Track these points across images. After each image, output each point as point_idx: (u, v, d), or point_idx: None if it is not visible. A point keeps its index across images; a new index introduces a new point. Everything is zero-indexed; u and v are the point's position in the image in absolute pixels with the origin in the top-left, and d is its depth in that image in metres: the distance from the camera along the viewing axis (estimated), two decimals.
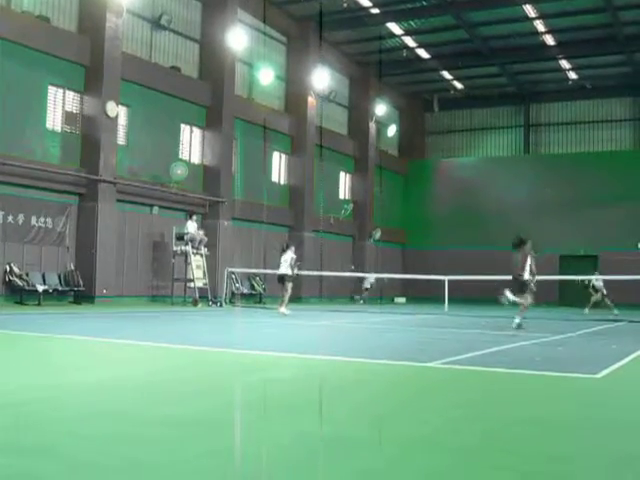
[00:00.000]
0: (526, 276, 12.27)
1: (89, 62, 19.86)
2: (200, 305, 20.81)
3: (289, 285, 16.88)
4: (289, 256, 16.84)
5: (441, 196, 36.74)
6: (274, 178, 28.23)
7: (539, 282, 13.54)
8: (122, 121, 21.12)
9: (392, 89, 35.48)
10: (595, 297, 22.38)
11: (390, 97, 35.09)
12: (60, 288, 18.84)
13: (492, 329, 14.03)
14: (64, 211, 19.51)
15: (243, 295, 24.67)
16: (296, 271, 17.53)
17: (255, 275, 25.85)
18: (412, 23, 28.25)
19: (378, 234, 33.44)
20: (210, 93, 24.07)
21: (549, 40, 29.40)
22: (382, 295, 31.34)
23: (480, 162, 37.13)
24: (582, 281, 24.12)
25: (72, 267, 19.49)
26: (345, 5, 26.06)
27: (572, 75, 33.46)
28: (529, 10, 26.48)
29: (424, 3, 26.24)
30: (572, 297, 27.99)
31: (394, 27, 28.51)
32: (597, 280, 22.54)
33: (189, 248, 21.28)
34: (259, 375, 6.32)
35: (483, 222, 34.30)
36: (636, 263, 28.47)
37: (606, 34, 28.22)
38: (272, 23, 26.90)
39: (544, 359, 7.94)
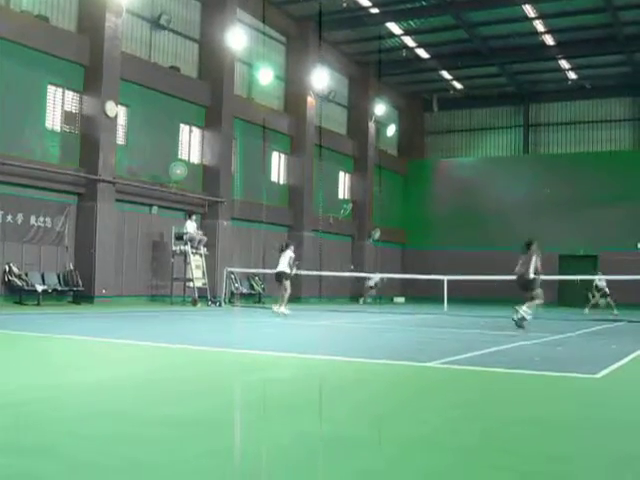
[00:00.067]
0: (531, 274, 12.41)
1: (88, 62, 19.84)
2: (199, 305, 20.81)
3: (287, 284, 16.82)
4: (288, 255, 16.80)
5: (440, 196, 36.74)
6: (273, 178, 28.23)
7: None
8: (121, 121, 21.11)
9: (391, 89, 35.48)
10: (596, 298, 22.35)
11: (389, 97, 35.10)
12: (59, 288, 18.82)
13: (491, 329, 14.05)
14: (63, 211, 19.50)
15: (242, 295, 24.68)
16: (295, 271, 17.47)
17: (254, 275, 25.85)
18: (411, 23, 28.24)
19: (377, 234, 33.45)
20: (209, 93, 24.06)
21: (549, 40, 29.39)
22: (381, 295, 31.34)
23: (479, 162, 37.14)
24: (584, 286, 24.07)
25: (71, 267, 19.48)
26: (344, 5, 26.05)
27: (572, 75, 33.46)
28: (529, 10, 26.47)
29: (423, 3, 26.23)
30: (572, 297, 28.02)
31: (393, 27, 28.50)
32: (600, 280, 22.48)
33: (188, 248, 21.28)
34: (258, 375, 6.32)
35: (482, 222, 34.30)
36: (636, 263, 28.48)
37: (606, 34, 28.21)
38: (271, 23, 26.90)
39: (543, 359, 7.95)
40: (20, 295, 17.90)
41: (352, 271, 30.70)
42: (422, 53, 31.44)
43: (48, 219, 19.06)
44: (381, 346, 9.79)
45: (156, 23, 22.70)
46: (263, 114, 26.41)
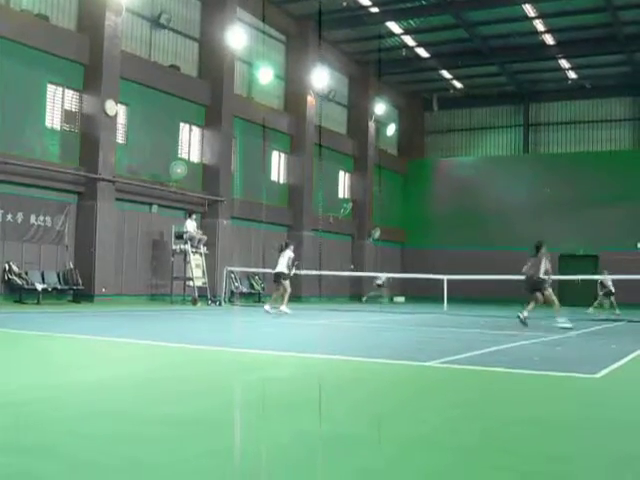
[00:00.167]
0: (542, 275, 12.98)
1: (88, 61, 19.84)
2: (199, 304, 20.82)
3: (287, 284, 16.82)
4: (287, 255, 16.79)
5: (440, 195, 36.75)
6: (273, 177, 28.23)
7: None
8: (121, 120, 21.11)
9: (391, 88, 35.47)
10: (600, 298, 22.26)
11: (389, 96, 35.09)
12: (59, 287, 18.83)
13: (491, 328, 14.05)
14: (63, 210, 19.50)
15: (242, 294, 24.69)
16: (294, 271, 17.42)
17: (254, 274, 25.86)
18: (411, 22, 28.25)
19: (377, 233, 33.45)
20: (209, 92, 24.06)
21: (549, 39, 29.39)
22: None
23: (479, 161, 37.14)
24: (586, 286, 23.99)
25: (71, 266, 19.48)
26: (344, 4, 26.05)
27: (572, 75, 33.46)
28: (528, 9, 26.47)
29: (423, 2, 26.24)
30: (571, 297, 28.00)
31: (393, 26, 28.50)
32: (605, 279, 22.33)
33: (188, 247, 21.29)
34: (258, 374, 6.32)
35: (482, 221, 34.31)
36: (636, 263, 28.49)
37: (606, 34, 28.21)
38: (271, 22, 26.89)
39: (543, 359, 7.94)
40: (20, 294, 17.91)
41: (352, 270, 30.71)
42: (422, 52, 31.44)
43: (48, 218, 19.06)
44: (380, 345, 9.79)
45: (156, 22, 22.69)
46: (263, 113, 26.41)
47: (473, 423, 4.40)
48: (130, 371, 6.37)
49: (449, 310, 21.71)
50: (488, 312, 20.74)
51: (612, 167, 32.78)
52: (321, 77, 28.30)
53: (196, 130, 24.29)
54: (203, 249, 21.97)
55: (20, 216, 18.35)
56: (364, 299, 29.73)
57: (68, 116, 19.91)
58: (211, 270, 22.47)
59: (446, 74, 34.33)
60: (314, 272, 26.08)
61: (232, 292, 24.02)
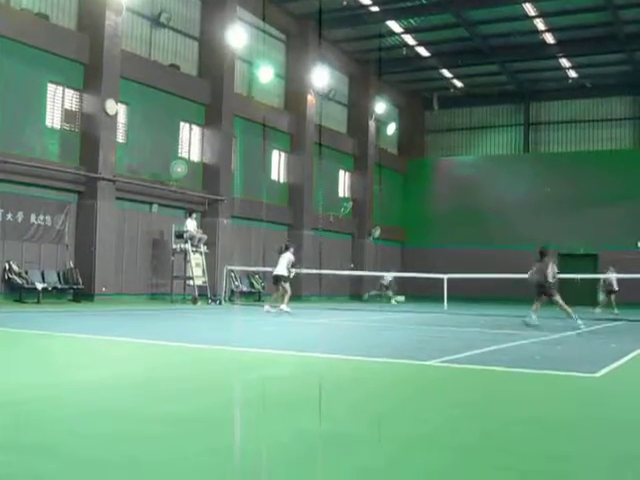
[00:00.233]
0: (550, 279, 13.36)
1: (88, 60, 19.83)
2: (199, 303, 20.82)
3: (287, 285, 16.78)
4: (287, 257, 16.72)
5: (440, 194, 36.73)
6: (273, 176, 28.22)
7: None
8: (121, 119, 21.10)
9: (392, 87, 35.45)
10: (603, 296, 22.14)
11: (390, 95, 35.07)
12: (59, 286, 18.83)
13: (491, 328, 14.05)
14: (63, 209, 19.50)
15: (242, 293, 24.69)
16: (293, 274, 17.33)
17: (254, 273, 25.85)
18: (412, 21, 28.23)
19: (377, 232, 33.45)
20: (209, 91, 24.05)
21: (549, 38, 29.37)
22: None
23: (480, 161, 37.12)
24: (588, 285, 23.91)
25: (71, 265, 19.48)
26: (345, 3, 26.02)
27: (572, 74, 33.43)
28: (529, 8, 26.45)
29: (424, 1, 26.21)
30: (571, 296, 27.95)
31: (394, 25, 28.48)
32: (610, 277, 22.15)
33: (188, 246, 21.29)
34: (258, 373, 6.32)
35: (482, 221, 34.29)
36: (636, 262, 28.46)
37: (606, 33, 28.18)
38: (271, 21, 26.87)
39: (543, 358, 7.95)
40: (20, 293, 17.90)
41: (352, 269, 30.71)
42: (422, 51, 31.42)
43: (48, 217, 19.06)
44: (380, 344, 9.79)
45: (156, 21, 22.68)
46: (263, 112, 26.40)
47: (473, 422, 4.40)
48: (130, 370, 6.38)
49: (449, 309, 21.70)
50: (488, 311, 20.74)
51: (612, 166, 32.76)
52: (321, 76, 28.28)
53: (196, 129, 24.28)
54: (203, 248, 21.97)
55: (20, 215, 18.34)
56: (365, 297, 29.75)
57: (68, 115, 19.90)
58: (211, 269, 22.47)
59: (446, 73, 34.31)
60: (314, 271, 26.08)
61: (232, 291, 24.02)
